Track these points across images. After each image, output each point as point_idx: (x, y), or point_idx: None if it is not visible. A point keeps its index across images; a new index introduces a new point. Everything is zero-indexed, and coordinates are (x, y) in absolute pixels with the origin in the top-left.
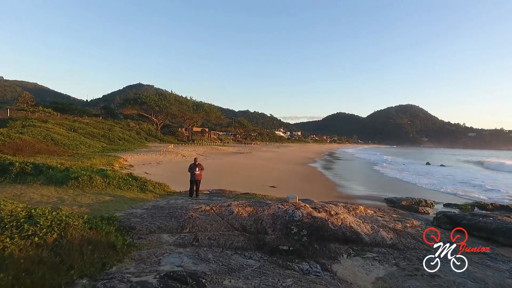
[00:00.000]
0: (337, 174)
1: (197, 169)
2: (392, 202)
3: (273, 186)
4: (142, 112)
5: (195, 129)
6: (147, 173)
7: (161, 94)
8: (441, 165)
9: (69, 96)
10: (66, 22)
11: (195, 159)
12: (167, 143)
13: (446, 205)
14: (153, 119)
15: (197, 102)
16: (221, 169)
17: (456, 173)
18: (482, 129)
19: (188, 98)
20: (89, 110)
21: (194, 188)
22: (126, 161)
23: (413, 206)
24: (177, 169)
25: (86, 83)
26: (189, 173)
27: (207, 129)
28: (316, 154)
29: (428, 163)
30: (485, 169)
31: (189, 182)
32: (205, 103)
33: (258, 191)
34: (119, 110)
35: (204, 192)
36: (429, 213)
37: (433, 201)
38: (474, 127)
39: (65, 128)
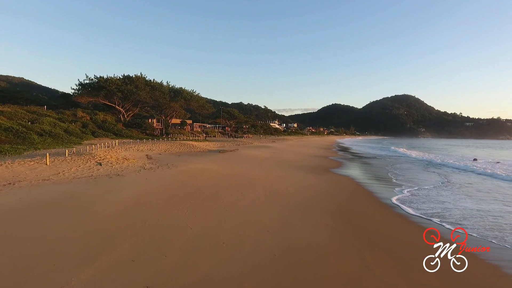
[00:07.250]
0: (425, 206)
1: None
2: None
3: None
4: (103, 99)
5: (174, 121)
6: None
7: (128, 78)
8: None
9: (57, 91)
10: (48, 12)
11: None
12: (126, 138)
13: None
14: (119, 109)
15: (175, 88)
16: (148, 198)
17: None
18: (479, 119)
19: (164, 83)
20: (39, 99)
21: None
22: None
23: None
24: None
25: (76, 78)
26: None
27: (190, 121)
28: (324, 149)
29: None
30: None
31: None
32: (186, 89)
33: None
34: (73, 98)
35: None
36: None
37: None
38: (471, 117)
39: None
